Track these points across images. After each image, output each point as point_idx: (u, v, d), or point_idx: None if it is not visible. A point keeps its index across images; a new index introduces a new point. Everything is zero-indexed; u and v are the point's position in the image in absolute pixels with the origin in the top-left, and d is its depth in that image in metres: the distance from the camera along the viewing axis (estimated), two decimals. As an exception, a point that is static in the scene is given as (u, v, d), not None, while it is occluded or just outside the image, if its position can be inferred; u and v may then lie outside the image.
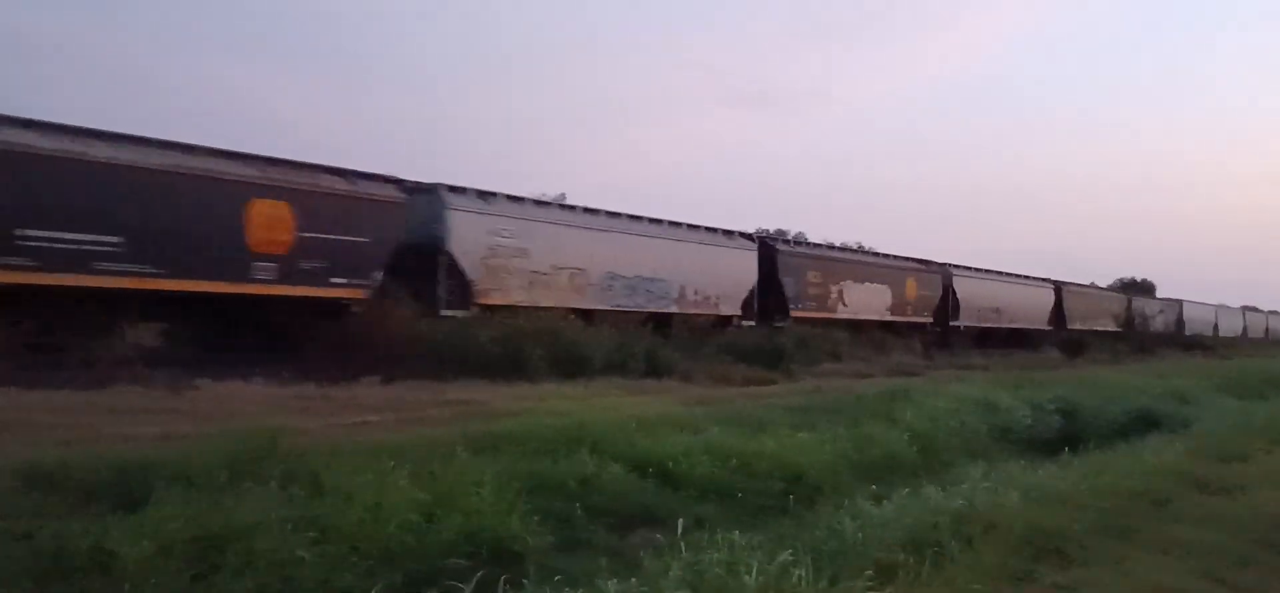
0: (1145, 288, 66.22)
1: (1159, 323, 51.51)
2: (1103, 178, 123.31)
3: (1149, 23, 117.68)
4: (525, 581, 5.41)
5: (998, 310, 40.21)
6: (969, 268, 39.88)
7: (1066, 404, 15.08)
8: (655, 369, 19.30)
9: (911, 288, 35.17)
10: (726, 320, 26.24)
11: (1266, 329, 68.78)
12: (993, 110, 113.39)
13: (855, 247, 39.54)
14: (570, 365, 17.70)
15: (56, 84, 58.36)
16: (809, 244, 36.50)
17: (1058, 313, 44.96)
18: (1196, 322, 56.85)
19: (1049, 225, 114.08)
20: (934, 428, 12.46)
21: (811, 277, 29.89)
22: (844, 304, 31.13)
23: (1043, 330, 43.02)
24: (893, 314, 33.79)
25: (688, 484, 9.02)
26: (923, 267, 36.78)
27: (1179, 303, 57.21)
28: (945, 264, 38.06)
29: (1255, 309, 71.53)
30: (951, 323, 37.24)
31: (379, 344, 15.90)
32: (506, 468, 8.29)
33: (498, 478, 7.80)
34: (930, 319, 36.38)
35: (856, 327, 30.66)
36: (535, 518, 7.26)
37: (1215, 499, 9.69)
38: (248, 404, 11.69)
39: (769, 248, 28.95)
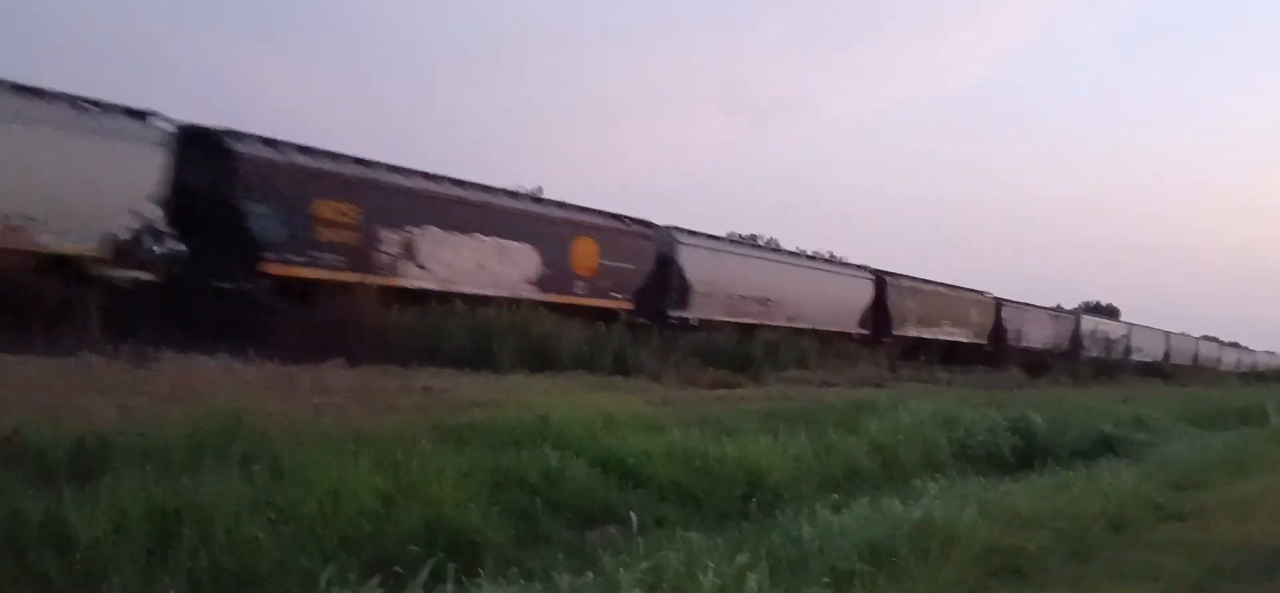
0: (1109, 312, 67.00)
1: (1119, 347, 51.29)
2: (1077, 202, 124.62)
3: (1123, 53, 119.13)
4: (480, 572, 5.39)
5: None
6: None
7: (1027, 424, 15.22)
8: (624, 367, 19.31)
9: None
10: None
11: (1219, 358, 69.79)
12: (973, 128, 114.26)
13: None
14: (539, 359, 17.70)
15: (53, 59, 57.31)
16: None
17: (998, 328, 43.22)
18: (1152, 348, 57.23)
19: (994, 242, 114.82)
20: (896, 440, 12.54)
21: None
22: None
23: (1062, 353, 43.42)
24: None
25: (650, 484, 9.03)
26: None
27: (1167, 334, 58.30)
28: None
29: (1213, 339, 72.64)
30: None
31: (347, 328, 15.78)
32: (469, 459, 8.27)
33: (460, 469, 7.77)
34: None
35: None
36: (495, 511, 7.25)
37: (1173, 526, 9.83)
38: (211, 382, 11.55)
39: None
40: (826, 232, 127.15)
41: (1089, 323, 50.99)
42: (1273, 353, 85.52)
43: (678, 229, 25.95)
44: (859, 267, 34.40)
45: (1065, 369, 40.23)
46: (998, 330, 41.59)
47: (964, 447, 13.67)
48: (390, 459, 7.60)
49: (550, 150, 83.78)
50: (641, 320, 22.99)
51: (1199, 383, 45.41)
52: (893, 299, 34.10)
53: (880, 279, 33.96)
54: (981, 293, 41.65)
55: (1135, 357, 52.16)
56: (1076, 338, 47.85)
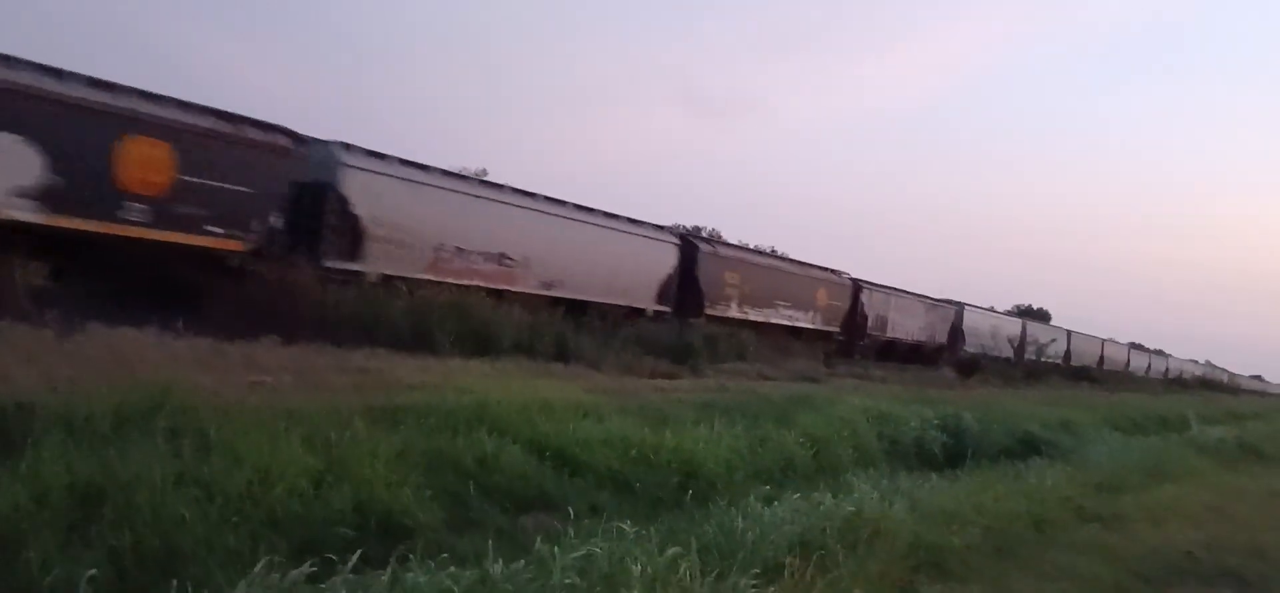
0: (1041, 316, 68.48)
1: (1051, 350, 51.45)
2: (1011, 211, 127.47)
3: (1067, 72, 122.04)
4: (411, 557, 5.35)
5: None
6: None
7: (957, 423, 15.51)
8: (564, 354, 19.27)
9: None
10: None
11: (1148, 365, 71.74)
12: (921, 138, 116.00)
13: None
14: (479, 343, 17.59)
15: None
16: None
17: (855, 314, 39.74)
18: (1085, 353, 58.21)
19: (953, 249, 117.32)
20: (830, 434, 12.70)
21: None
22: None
23: (939, 347, 40.78)
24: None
25: (586, 471, 9.02)
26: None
27: (1069, 333, 57.13)
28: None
29: (1139, 347, 74.68)
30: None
31: (281, 303, 15.50)
32: (403, 441, 8.19)
33: (393, 451, 7.70)
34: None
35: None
36: (428, 494, 7.19)
37: (1093, 527, 10.11)
38: (139, 354, 11.26)
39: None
40: (778, 233, 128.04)
41: (974, 315, 45.56)
42: (1194, 360, 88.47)
43: (343, 145, 18.52)
44: (659, 227, 27.96)
45: (998, 372, 40.81)
46: (854, 317, 36.15)
47: (895, 443, 13.89)
48: (322, 438, 7.50)
49: (503, 137, 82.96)
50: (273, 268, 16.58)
51: (1127, 388, 46.72)
52: (705, 271, 28.22)
53: (688, 244, 28.39)
54: (837, 273, 36.26)
55: (1036, 356, 48.93)
56: (956, 332, 43.27)
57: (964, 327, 43.47)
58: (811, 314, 34.16)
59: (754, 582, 5.23)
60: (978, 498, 9.80)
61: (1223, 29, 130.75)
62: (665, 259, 27.15)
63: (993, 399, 23.22)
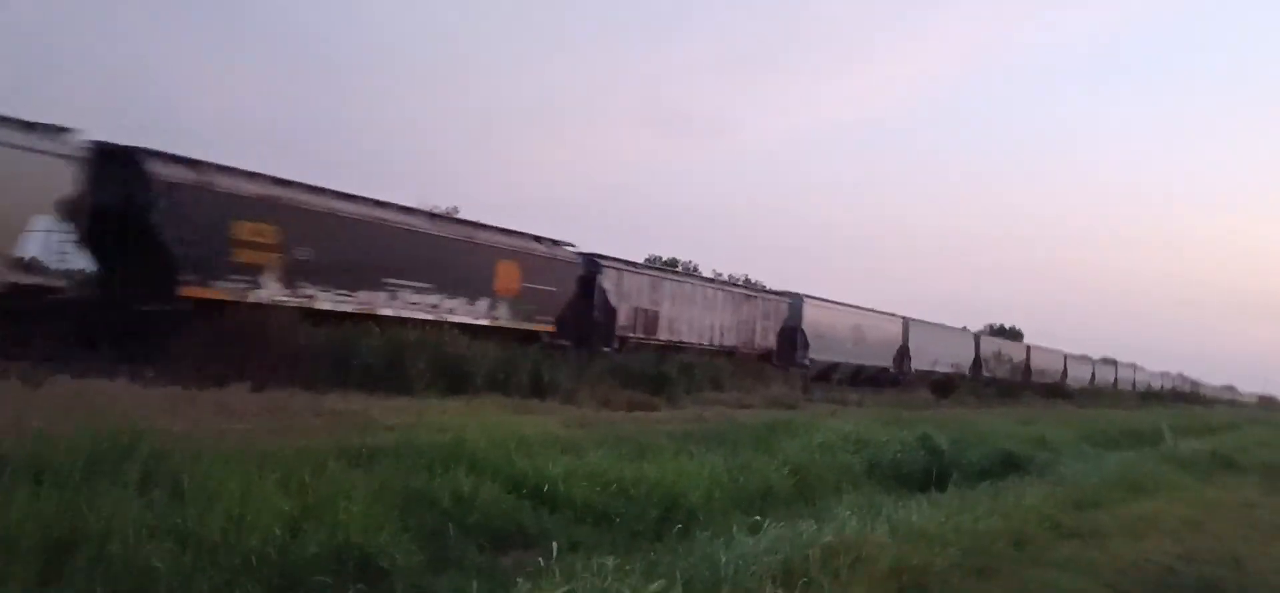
0: (1012, 335, 68.96)
1: (1010, 368, 50.47)
2: (975, 228, 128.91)
3: (1029, 88, 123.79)
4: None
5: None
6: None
7: (934, 443, 15.55)
8: (539, 389, 19.21)
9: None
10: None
11: (1115, 379, 72.41)
12: (883, 155, 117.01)
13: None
14: (453, 381, 17.51)
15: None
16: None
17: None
18: (1053, 370, 57.22)
19: (900, 266, 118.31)
20: (810, 460, 12.68)
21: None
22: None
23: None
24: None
25: (566, 506, 8.95)
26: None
27: (1029, 348, 57.17)
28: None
29: (1112, 361, 75.44)
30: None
31: (253, 348, 15.36)
32: (379, 482, 8.09)
33: (369, 492, 7.61)
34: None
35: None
36: (406, 535, 7.09)
37: (1073, 544, 10.13)
38: (109, 403, 11.11)
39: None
40: (743, 252, 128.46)
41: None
42: (1166, 372, 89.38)
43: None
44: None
45: (970, 391, 40.98)
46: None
47: (874, 466, 13.90)
48: (297, 482, 7.39)
49: (473, 162, 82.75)
50: None
51: (1100, 404, 47.01)
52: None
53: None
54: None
55: (935, 367, 43.62)
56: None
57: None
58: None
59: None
60: (957, 519, 9.78)
61: (1193, 41, 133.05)
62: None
63: (967, 419, 23.32)
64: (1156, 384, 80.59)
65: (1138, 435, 24.99)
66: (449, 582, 6.47)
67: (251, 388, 13.87)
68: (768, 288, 36.81)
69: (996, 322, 74.98)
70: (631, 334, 26.98)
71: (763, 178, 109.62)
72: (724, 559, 6.54)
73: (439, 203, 27.50)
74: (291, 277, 18.14)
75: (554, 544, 6.01)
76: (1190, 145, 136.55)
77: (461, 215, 25.50)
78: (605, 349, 25.28)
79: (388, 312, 19.90)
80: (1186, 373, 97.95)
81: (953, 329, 48.79)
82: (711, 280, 32.87)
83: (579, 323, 25.45)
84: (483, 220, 23.64)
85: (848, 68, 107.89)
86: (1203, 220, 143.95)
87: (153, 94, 69.08)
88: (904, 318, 42.36)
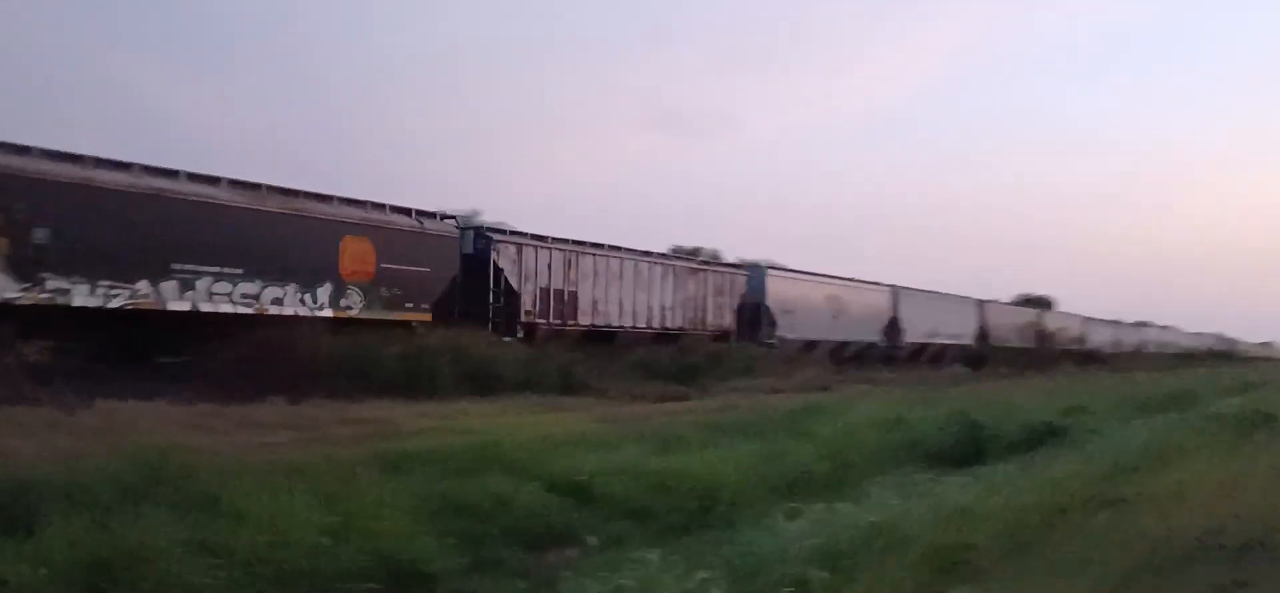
0: (1044, 303, 68.26)
1: (1020, 336, 48.21)
2: (1011, 202, 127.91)
3: (1036, 64, 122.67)
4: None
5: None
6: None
7: (970, 420, 15.44)
8: (570, 386, 19.23)
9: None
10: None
11: (1146, 342, 71.65)
12: (897, 141, 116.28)
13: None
14: (482, 383, 17.55)
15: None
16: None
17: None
18: (1071, 336, 54.96)
19: (931, 246, 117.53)
20: (845, 443, 12.62)
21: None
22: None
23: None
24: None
25: (604, 503, 8.95)
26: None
27: (1041, 314, 55.05)
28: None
29: (1148, 325, 74.69)
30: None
31: (283, 362, 15.48)
32: (415, 488, 8.12)
33: (407, 498, 7.63)
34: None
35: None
36: (447, 539, 7.11)
37: (1112, 513, 10.02)
38: (147, 423, 11.24)
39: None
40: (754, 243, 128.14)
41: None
42: (1201, 333, 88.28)
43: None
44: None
45: (1008, 362, 40.33)
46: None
47: (911, 445, 13.81)
48: (332, 492, 7.42)
49: (481, 167, 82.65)
50: None
51: (1136, 368, 46.40)
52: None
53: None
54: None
55: (933, 340, 40.99)
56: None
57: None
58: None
59: (783, 599, 5.16)
60: (996, 494, 9.71)
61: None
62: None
63: (1002, 393, 23.15)
64: (1193, 346, 79.66)
65: (1175, 397, 24.67)
66: (492, 583, 6.48)
67: (287, 400, 13.99)
68: (722, 260, 33.35)
69: (1029, 291, 74.00)
70: (542, 320, 23.25)
71: (769, 171, 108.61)
72: (765, 546, 6.52)
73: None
74: (26, 268, 14.70)
75: (595, 540, 5.98)
76: (1218, 105, 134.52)
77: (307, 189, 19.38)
78: (506, 339, 21.67)
79: (180, 306, 16.40)
80: (1224, 332, 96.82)
81: (952, 297, 44.51)
82: (647, 254, 27.30)
83: (470, 310, 21.55)
84: (325, 191, 19.44)
85: (857, 57, 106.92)
86: (1233, 179, 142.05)
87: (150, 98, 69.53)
88: (893, 287, 39.07)
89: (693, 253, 34.05)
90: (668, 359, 23.74)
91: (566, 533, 8.08)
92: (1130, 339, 67.66)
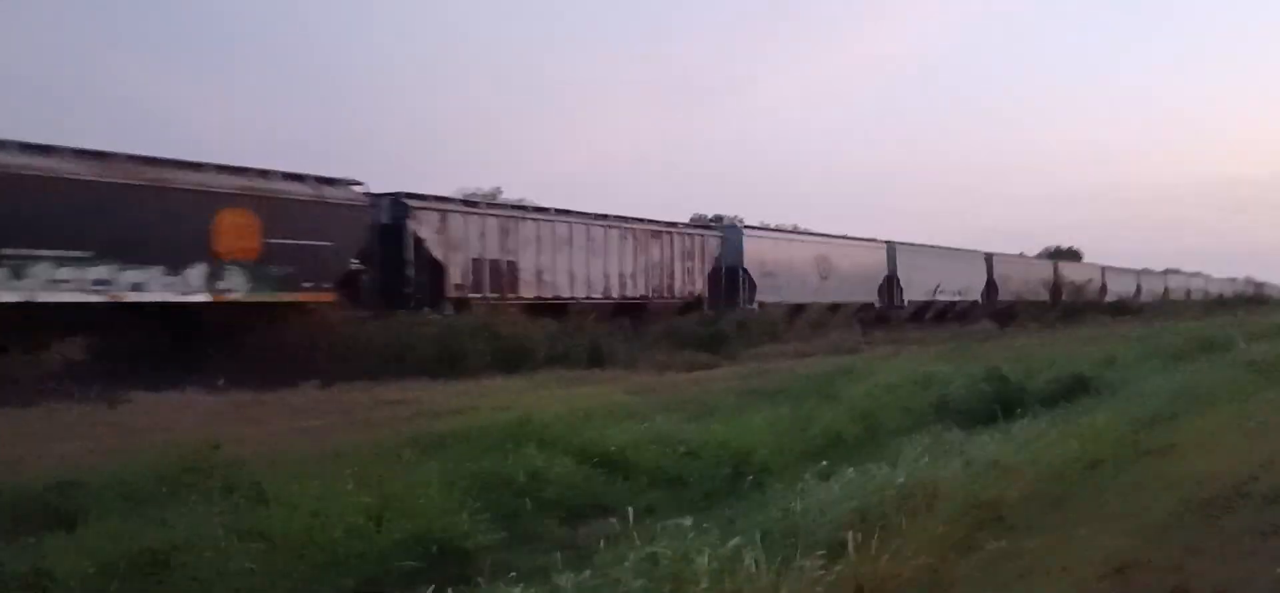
0: (1071, 255, 67.64)
1: (1033, 289, 46.65)
2: (1035, 156, 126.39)
3: (1059, 15, 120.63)
4: (479, 580, 5.38)
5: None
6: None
7: (1000, 374, 15.40)
8: (598, 359, 19.34)
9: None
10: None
11: (1188, 291, 70.95)
12: (918, 97, 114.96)
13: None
14: (510, 360, 17.69)
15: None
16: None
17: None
18: (1089, 286, 53.22)
19: (978, 202, 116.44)
20: (875, 404, 12.65)
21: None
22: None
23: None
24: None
25: (637, 473, 9.05)
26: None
27: (1056, 265, 53.52)
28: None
29: (1177, 272, 73.89)
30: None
31: (316, 347, 15.69)
32: (451, 467, 8.24)
33: (443, 477, 7.75)
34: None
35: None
36: (485, 515, 7.22)
37: (1146, 462, 9.98)
38: (185, 415, 11.45)
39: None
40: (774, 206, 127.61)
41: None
42: (1233, 279, 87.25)
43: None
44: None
45: (1033, 316, 40.02)
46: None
47: (943, 403, 13.81)
48: (371, 474, 7.56)
49: (500, 146, 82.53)
50: None
51: (1163, 317, 45.92)
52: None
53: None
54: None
55: (936, 297, 39.43)
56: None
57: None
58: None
59: (820, 562, 5.20)
60: (1029, 448, 9.71)
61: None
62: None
63: (1031, 346, 23.05)
64: (1222, 291, 78.77)
65: (1208, 343, 24.45)
66: (531, 556, 6.59)
67: (319, 385, 14.18)
68: (689, 222, 30.96)
69: (1055, 243, 73.31)
70: (474, 294, 20.87)
71: (784, 136, 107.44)
72: (799, 509, 6.57)
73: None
74: None
75: (630, 510, 6.06)
76: (1236, 43, 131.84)
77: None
78: (428, 312, 19.47)
79: (9, 296, 13.79)
80: (1253, 277, 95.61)
81: (956, 251, 42.48)
82: (602, 217, 24.86)
83: (388, 286, 19.35)
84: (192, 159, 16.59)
85: (875, 12, 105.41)
86: (1253, 120, 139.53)
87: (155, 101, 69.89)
88: (888, 242, 36.79)
89: (716, 221, 32.89)
90: (695, 327, 23.78)
91: (602, 504, 8.19)
92: (1157, 287, 66.91)
